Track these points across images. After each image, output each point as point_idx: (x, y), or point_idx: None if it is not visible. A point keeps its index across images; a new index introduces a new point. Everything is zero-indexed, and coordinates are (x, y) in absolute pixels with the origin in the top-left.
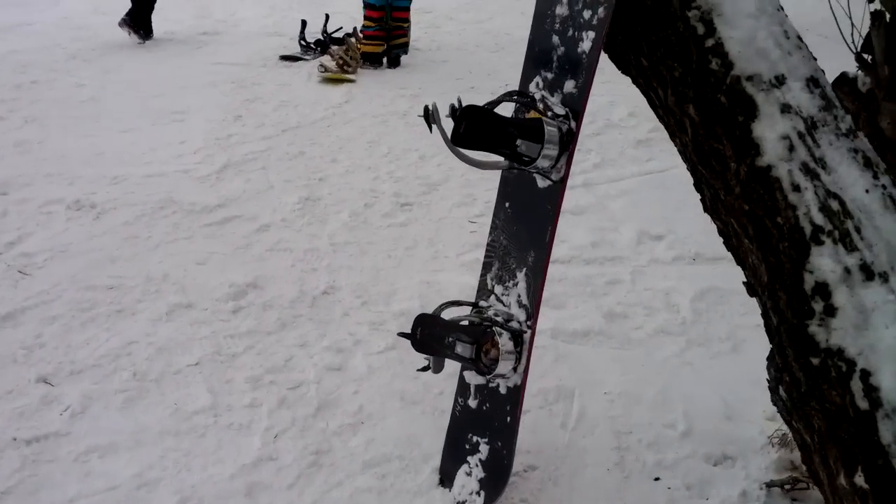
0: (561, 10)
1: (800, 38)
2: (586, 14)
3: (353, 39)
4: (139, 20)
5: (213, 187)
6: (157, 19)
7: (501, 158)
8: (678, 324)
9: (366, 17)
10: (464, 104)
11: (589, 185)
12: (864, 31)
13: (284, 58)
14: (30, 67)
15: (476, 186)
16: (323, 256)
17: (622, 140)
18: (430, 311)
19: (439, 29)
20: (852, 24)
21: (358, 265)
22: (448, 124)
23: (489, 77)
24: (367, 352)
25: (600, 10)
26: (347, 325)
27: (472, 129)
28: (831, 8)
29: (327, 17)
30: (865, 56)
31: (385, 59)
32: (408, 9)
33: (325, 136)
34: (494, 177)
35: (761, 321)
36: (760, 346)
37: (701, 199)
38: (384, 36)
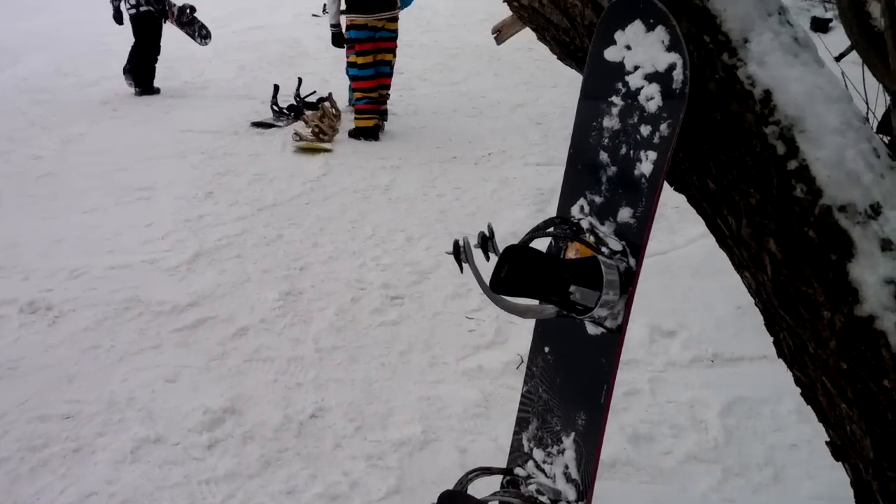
0: (610, 122)
1: (891, 155)
2: (645, 130)
3: (327, 104)
4: (139, 75)
5: (183, 280)
6: (121, 81)
7: (550, 305)
8: (710, 448)
9: (356, 90)
10: (493, 231)
11: None
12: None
13: (256, 124)
14: None
15: (470, 275)
16: (308, 367)
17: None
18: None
19: (413, 91)
20: (868, 108)
21: (348, 377)
22: (479, 263)
23: (470, 145)
24: (367, 499)
25: (663, 126)
26: (341, 461)
27: (517, 273)
28: (846, 85)
29: (300, 80)
30: (883, 137)
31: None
32: (391, 75)
33: (304, 216)
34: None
35: (796, 438)
36: (801, 472)
37: (775, 343)
38: (378, 109)
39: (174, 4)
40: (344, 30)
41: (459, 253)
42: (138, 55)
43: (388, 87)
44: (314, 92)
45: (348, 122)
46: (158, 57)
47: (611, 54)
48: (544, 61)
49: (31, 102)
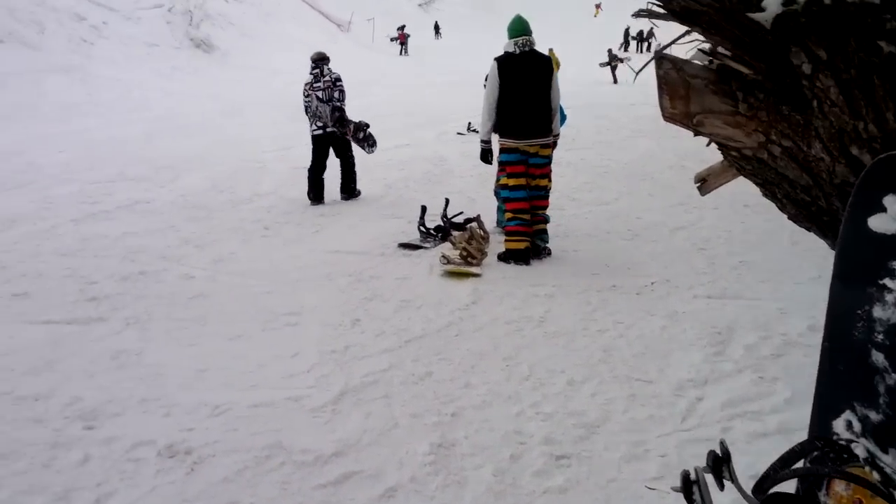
0: (884, 313)
1: None
2: None
3: (475, 226)
4: (348, 188)
5: (328, 424)
6: (274, 198)
7: None
8: None
9: (507, 210)
10: (729, 451)
11: (788, 431)
12: None
13: (404, 246)
14: (140, 254)
15: (646, 431)
16: None
17: (810, 364)
18: None
19: (563, 212)
20: None
21: None
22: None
23: (630, 272)
24: None
25: None
26: None
27: None
28: None
29: (447, 201)
30: None
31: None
32: (548, 197)
33: (453, 350)
34: (669, 414)
35: None
36: None
37: None
38: (529, 231)
39: (351, 122)
40: (496, 152)
41: (692, 490)
42: (315, 170)
43: (544, 208)
44: (461, 213)
45: (497, 244)
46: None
47: (879, 224)
48: None
49: (186, 219)
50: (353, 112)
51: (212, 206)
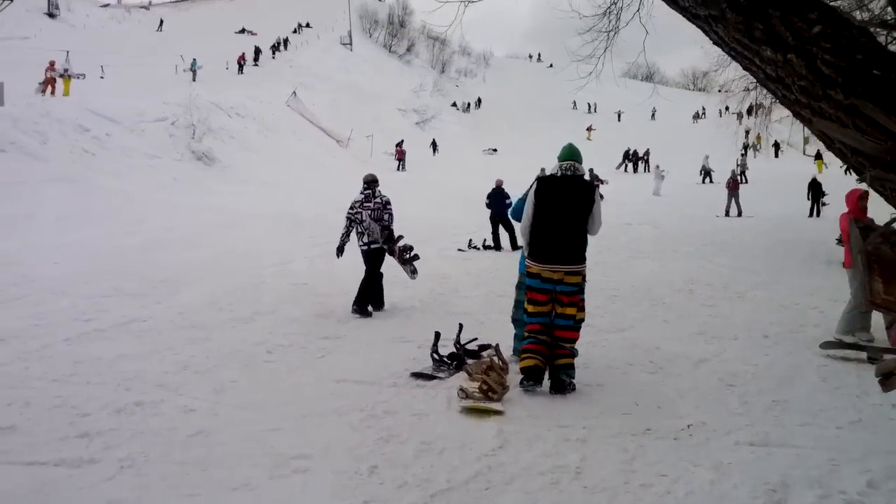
0: None
1: None
2: None
3: (492, 353)
4: (362, 300)
5: None
6: (276, 317)
7: None
8: None
9: (526, 331)
10: None
11: None
12: None
13: (417, 375)
14: (136, 381)
15: None
16: None
17: None
18: None
19: (580, 339)
20: None
21: None
22: None
23: (661, 411)
24: None
25: None
26: None
27: None
28: None
29: (461, 326)
30: None
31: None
32: (577, 329)
33: None
34: None
35: None
36: None
37: None
38: (545, 352)
39: (399, 244)
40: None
41: None
42: (367, 283)
43: (570, 340)
44: (475, 339)
45: (516, 374)
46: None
47: None
48: (713, 307)
49: (184, 340)
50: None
51: (211, 325)
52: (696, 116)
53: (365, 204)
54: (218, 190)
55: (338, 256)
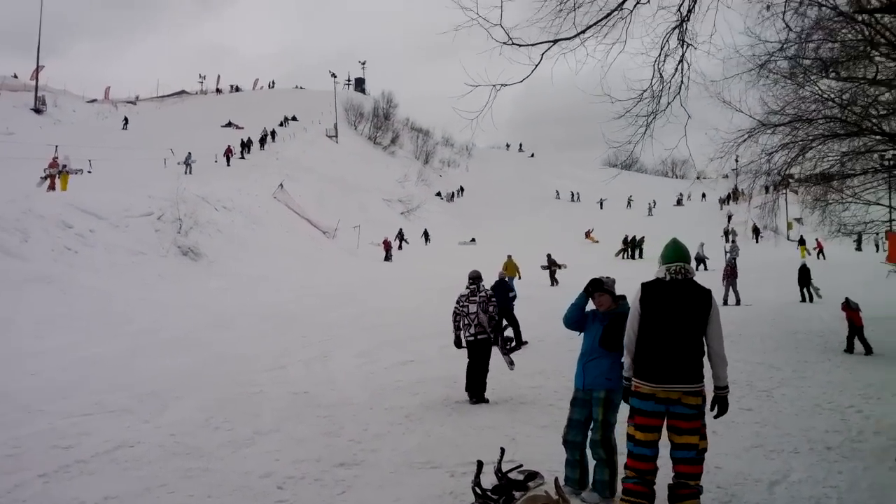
0: None
1: None
2: None
3: (540, 483)
4: (474, 389)
5: None
6: (280, 439)
7: None
8: None
9: (627, 467)
10: None
11: None
12: None
13: None
14: None
15: None
16: None
17: None
18: None
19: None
20: None
21: None
22: None
23: None
24: None
25: None
26: None
27: None
28: None
29: (502, 451)
30: None
31: None
32: (702, 461)
33: None
34: None
35: None
36: None
37: None
38: (649, 493)
39: (503, 335)
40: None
41: None
42: (474, 372)
43: (694, 476)
44: (520, 465)
45: None
46: (487, 373)
47: None
48: (752, 412)
49: (179, 474)
50: (347, 318)
51: (208, 450)
52: (679, 202)
53: (471, 298)
54: (204, 286)
55: (457, 347)
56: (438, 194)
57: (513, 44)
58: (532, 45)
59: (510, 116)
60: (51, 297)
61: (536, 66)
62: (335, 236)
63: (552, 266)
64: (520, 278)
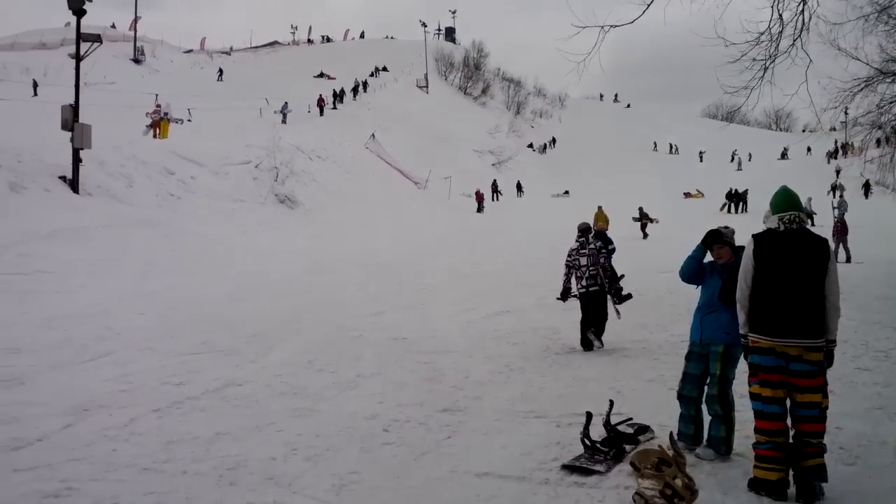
0: None
1: None
2: None
3: (650, 437)
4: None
5: None
6: (382, 382)
7: None
8: None
9: (757, 429)
10: None
11: None
12: None
13: (570, 468)
14: (240, 472)
15: None
16: None
17: None
18: None
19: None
20: None
21: None
22: None
23: None
24: None
25: None
26: None
27: None
28: None
29: (611, 404)
30: None
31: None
32: (825, 419)
33: None
34: None
35: None
36: None
37: None
38: (784, 458)
39: (618, 284)
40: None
41: None
42: (589, 322)
43: (818, 434)
44: (629, 418)
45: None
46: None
47: None
48: (869, 371)
49: (288, 413)
50: (442, 267)
51: (313, 391)
52: (783, 156)
53: (581, 251)
54: (301, 233)
55: (563, 300)
56: (530, 146)
57: None
58: None
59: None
60: (156, 241)
61: (649, 5)
62: (426, 187)
63: (643, 219)
64: (608, 230)
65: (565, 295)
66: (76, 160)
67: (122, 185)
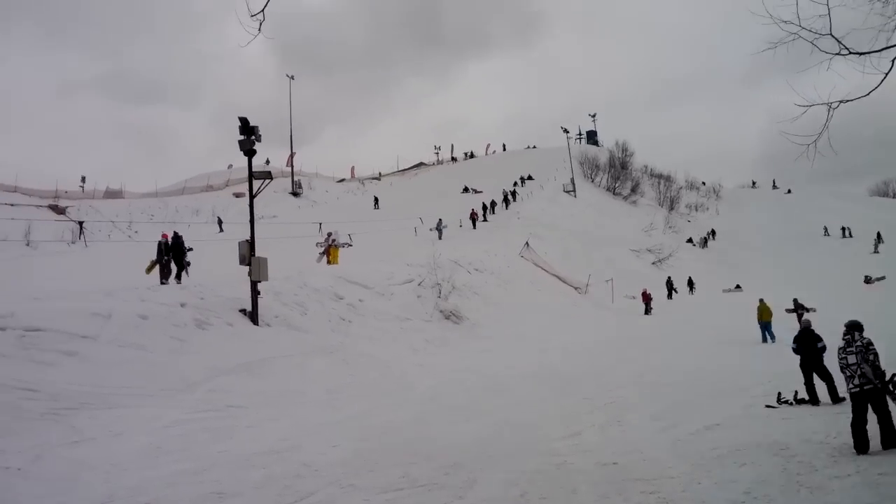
0: None
1: None
2: None
3: None
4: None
5: None
6: None
7: None
8: None
9: None
10: None
11: None
12: None
13: None
14: None
15: None
16: None
17: None
18: None
19: None
20: None
21: None
22: None
23: None
24: None
25: None
26: None
27: None
28: None
29: None
30: None
31: None
32: None
33: None
34: None
35: None
36: None
37: None
38: None
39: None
40: None
41: None
42: (861, 424)
43: None
44: None
45: None
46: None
47: None
48: None
49: None
50: (625, 377)
51: None
52: None
53: (847, 349)
54: (470, 348)
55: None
56: (689, 240)
57: (850, 53)
58: (879, 51)
59: (753, 153)
60: (334, 367)
61: (887, 74)
62: (587, 291)
63: (798, 310)
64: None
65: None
66: (254, 293)
67: (297, 314)
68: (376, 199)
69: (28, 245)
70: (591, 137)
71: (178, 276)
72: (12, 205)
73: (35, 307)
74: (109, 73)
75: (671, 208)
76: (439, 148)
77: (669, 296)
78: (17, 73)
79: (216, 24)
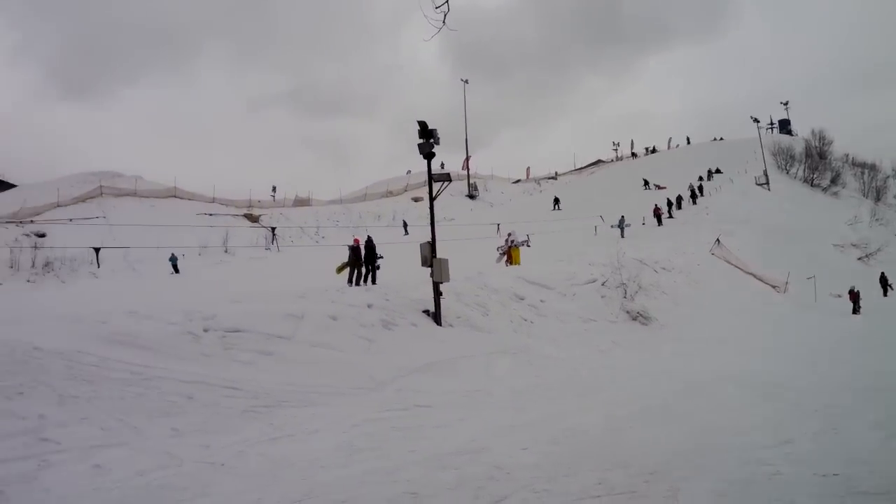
0: None
1: None
2: None
3: None
4: None
5: None
6: None
7: None
8: None
9: None
10: None
11: None
12: None
13: None
14: None
15: None
16: None
17: None
18: None
19: None
20: None
21: None
22: None
23: None
24: None
25: None
26: None
27: None
28: None
29: None
30: None
31: None
32: None
33: None
34: None
35: None
36: None
37: None
38: None
39: None
40: None
41: None
42: None
43: None
44: None
45: None
46: None
47: None
48: None
49: None
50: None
51: None
52: None
53: None
54: (660, 350)
55: None
56: None
57: None
58: None
59: None
60: (518, 368)
61: None
62: (787, 290)
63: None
64: None
65: None
66: (437, 293)
67: (478, 314)
68: (556, 200)
69: (226, 251)
70: (784, 127)
71: (373, 279)
72: (211, 214)
73: (235, 309)
74: (295, 88)
75: (877, 199)
76: (618, 144)
77: (885, 293)
78: (212, 92)
79: (392, 37)
